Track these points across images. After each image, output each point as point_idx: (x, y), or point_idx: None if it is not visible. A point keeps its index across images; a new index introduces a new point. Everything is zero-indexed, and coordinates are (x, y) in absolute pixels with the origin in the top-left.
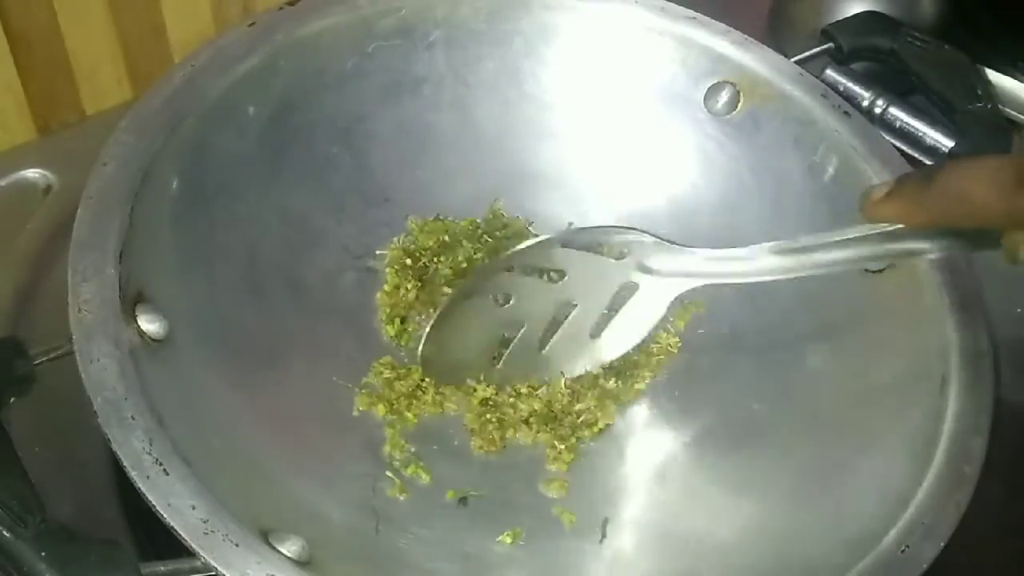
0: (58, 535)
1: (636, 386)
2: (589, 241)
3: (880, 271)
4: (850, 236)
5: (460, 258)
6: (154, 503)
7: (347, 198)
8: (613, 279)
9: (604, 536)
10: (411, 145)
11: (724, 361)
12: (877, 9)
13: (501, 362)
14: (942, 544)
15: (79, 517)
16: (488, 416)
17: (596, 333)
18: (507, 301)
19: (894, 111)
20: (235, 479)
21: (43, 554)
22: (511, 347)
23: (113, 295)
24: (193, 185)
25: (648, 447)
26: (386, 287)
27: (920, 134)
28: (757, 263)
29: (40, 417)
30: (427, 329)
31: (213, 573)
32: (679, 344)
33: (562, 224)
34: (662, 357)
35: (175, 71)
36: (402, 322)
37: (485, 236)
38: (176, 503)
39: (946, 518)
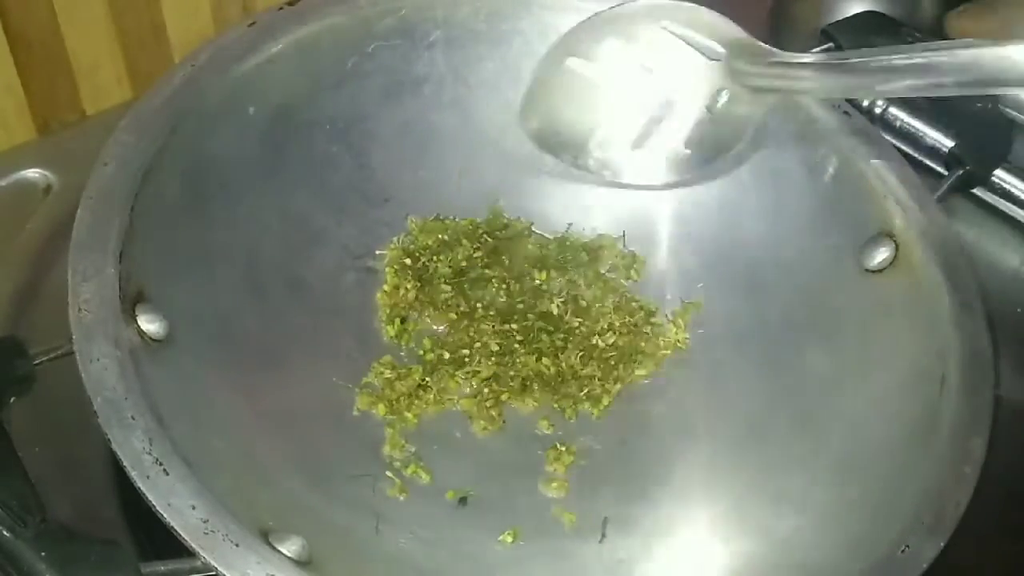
0: (58, 535)
1: (638, 371)
2: (679, 20)
3: (880, 271)
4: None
5: (460, 258)
6: (154, 503)
7: (347, 198)
8: (706, 80)
9: (604, 536)
10: (411, 145)
11: (724, 361)
12: (877, 9)
13: (594, 148)
14: (942, 544)
15: (79, 517)
16: (486, 393)
17: (690, 142)
18: (603, 80)
19: (894, 111)
20: (235, 479)
21: (43, 554)
22: (608, 136)
23: (113, 295)
24: (193, 185)
25: (647, 447)
26: (386, 287)
27: (920, 134)
28: (850, 77)
29: (40, 417)
30: (529, 86)
31: (213, 573)
32: (687, 341)
33: (562, 225)
34: (668, 352)
35: (175, 71)
36: (402, 322)
37: (485, 236)
38: (176, 503)
39: (946, 518)
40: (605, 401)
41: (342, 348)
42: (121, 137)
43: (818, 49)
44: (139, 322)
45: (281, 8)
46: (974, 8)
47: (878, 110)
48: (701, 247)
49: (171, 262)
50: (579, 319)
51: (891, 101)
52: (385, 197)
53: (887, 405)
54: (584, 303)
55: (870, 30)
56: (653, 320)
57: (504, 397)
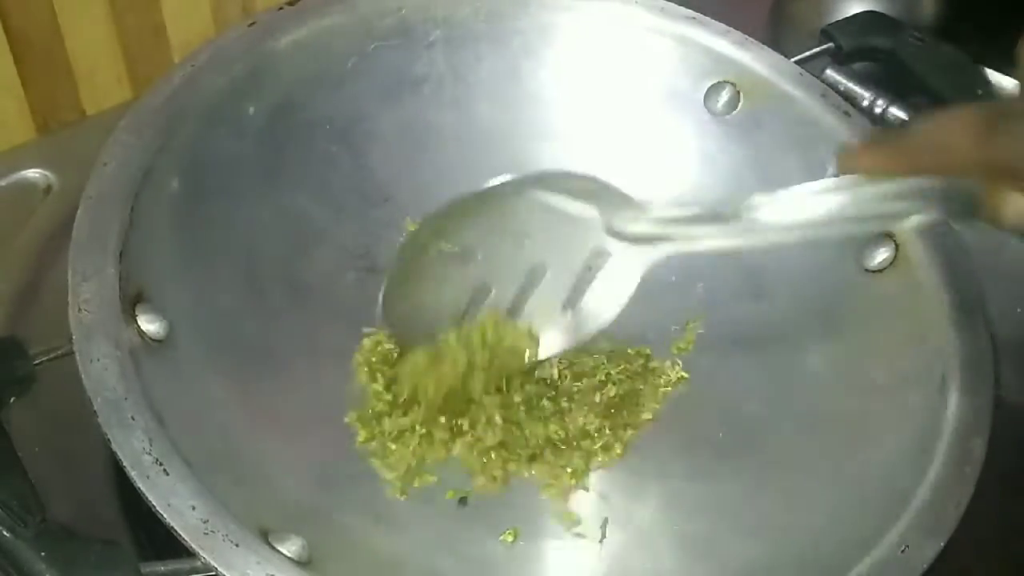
0: (58, 535)
1: (643, 415)
2: (550, 188)
3: (880, 271)
4: (830, 186)
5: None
6: (154, 503)
7: (347, 198)
8: (584, 242)
9: (604, 536)
10: (411, 145)
11: (724, 361)
12: (877, 9)
13: (470, 327)
14: (942, 544)
15: (79, 517)
16: (492, 457)
17: (571, 303)
18: (471, 257)
19: (894, 111)
20: (235, 479)
21: (43, 554)
22: (479, 311)
23: (113, 295)
24: (193, 185)
25: (647, 447)
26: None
27: None
28: (732, 225)
29: (40, 417)
30: (385, 280)
31: (213, 573)
32: (686, 378)
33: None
34: (668, 389)
35: (175, 71)
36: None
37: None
38: (176, 503)
39: (946, 518)
40: (617, 450)
41: (342, 348)
42: (121, 137)
43: (818, 49)
44: (139, 322)
45: (281, 8)
46: None
47: (878, 110)
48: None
49: (171, 262)
50: (577, 382)
51: (892, 100)
52: (385, 197)
53: (887, 405)
54: (579, 361)
55: (870, 30)
56: (651, 364)
57: (511, 467)
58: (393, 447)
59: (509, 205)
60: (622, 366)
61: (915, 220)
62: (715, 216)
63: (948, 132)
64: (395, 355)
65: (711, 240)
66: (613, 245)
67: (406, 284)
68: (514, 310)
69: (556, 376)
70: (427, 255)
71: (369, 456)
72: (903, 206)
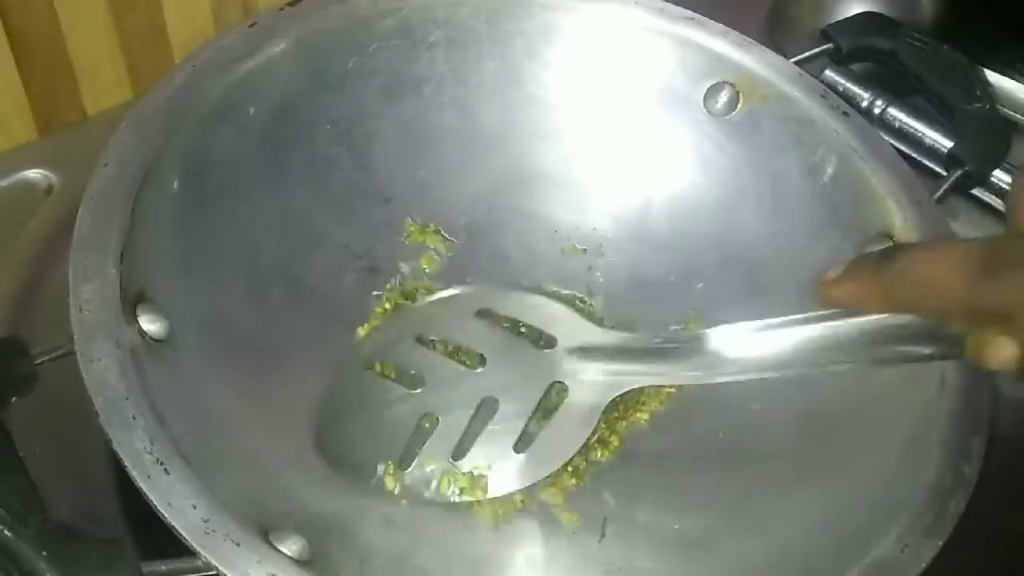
0: (59, 534)
1: (639, 414)
2: (507, 313)
3: None
4: (798, 321)
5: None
6: (155, 503)
7: (348, 198)
8: (540, 375)
9: (604, 536)
10: (412, 145)
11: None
12: (876, 10)
13: (412, 467)
14: (941, 544)
15: (80, 516)
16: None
17: (523, 446)
18: (418, 383)
19: (893, 111)
20: (236, 478)
21: (44, 553)
22: (423, 451)
23: (114, 295)
24: (194, 185)
25: (648, 446)
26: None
27: (919, 134)
28: (701, 358)
29: (41, 417)
30: (320, 406)
31: (214, 572)
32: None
33: (562, 225)
34: (672, 390)
35: (176, 71)
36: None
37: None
38: (177, 502)
39: (945, 518)
40: (615, 442)
41: (342, 348)
42: (122, 137)
43: (817, 50)
44: (140, 322)
45: (282, 8)
46: None
47: (877, 111)
48: (700, 247)
49: (172, 262)
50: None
51: (891, 101)
52: (385, 197)
53: (886, 404)
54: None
55: (869, 31)
56: None
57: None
58: None
59: (467, 323)
60: None
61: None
62: (677, 350)
63: (937, 268)
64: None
65: (672, 377)
66: (571, 378)
67: (345, 409)
68: (460, 451)
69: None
70: (370, 375)
71: None
72: (879, 348)
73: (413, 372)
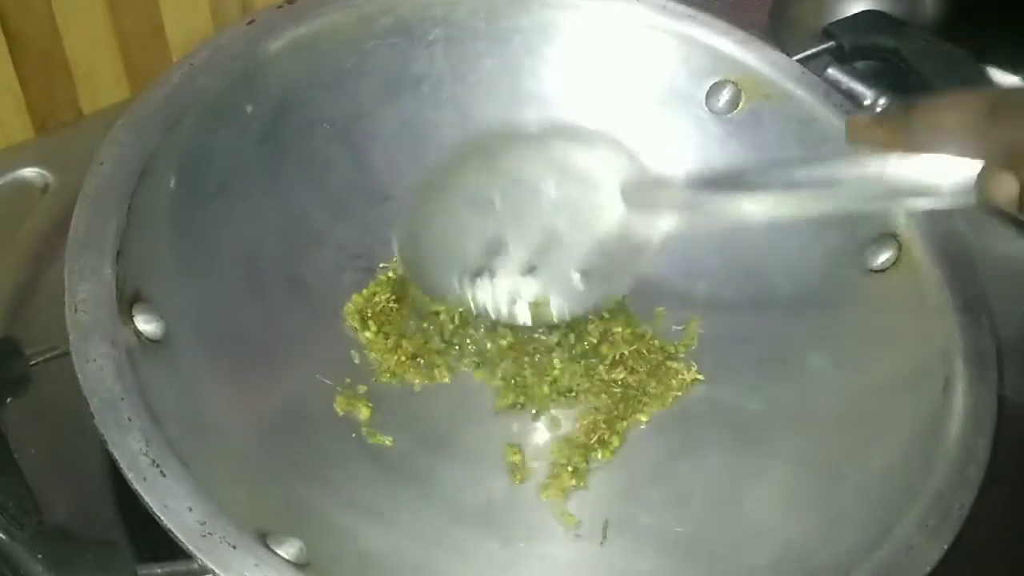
0: (54, 537)
1: (640, 415)
2: (572, 141)
3: (883, 271)
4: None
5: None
6: (151, 505)
7: (346, 197)
8: (600, 208)
9: (605, 538)
10: (411, 143)
11: (726, 361)
12: (879, 8)
13: (481, 286)
14: (946, 545)
15: (75, 518)
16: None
17: (585, 272)
18: (489, 206)
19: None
20: (233, 481)
21: (39, 556)
22: (495, 271)
23: (110, 295)
24: (191, 184)
25: (648, 448)
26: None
27: None
28: (747, 196)
29: (37, 418)
30: (402, 215)
31: (210, 575)
32: (700, 380)
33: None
34: (679, 393)
35: (173, 70)
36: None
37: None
38: (173, 504)
39: (950, 519)
40: (615, 443)
41: (340, 348)
42: (118, 136)
43: (820, 48)
44: (136, 322)
45: (280, 7)
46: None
47: (880, 109)
48: (702, 247)
49: (168, 262)
50: (595, 336)
51: (893, 99)
52: (385, 196)
53: (890, 406)
54: (606, 316)
55: (872, 28)
56: (669, 364)
57: (527, 372)
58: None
59: (528, 155)
60: (643, 352)
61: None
62: (733, 184)
63: (951, 114)
64: (392, 307)
65: (726, 213)
66: (630, 214)
67: (423, 222)
68: (529, 270)
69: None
70: (445, 193)
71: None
72: (902, 186)
73: (483, 192)
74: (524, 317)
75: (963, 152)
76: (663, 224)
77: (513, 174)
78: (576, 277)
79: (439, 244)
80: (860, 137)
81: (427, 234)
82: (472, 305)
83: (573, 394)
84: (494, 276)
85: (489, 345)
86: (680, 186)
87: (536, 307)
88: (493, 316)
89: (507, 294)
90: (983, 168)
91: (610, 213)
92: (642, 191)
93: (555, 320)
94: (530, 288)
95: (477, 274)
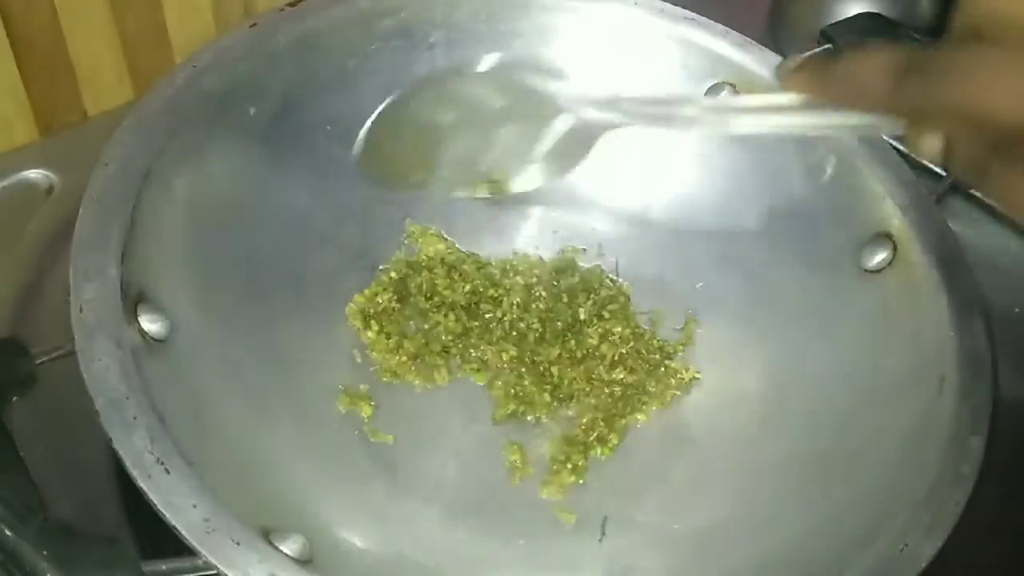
0: (60, 534)
1: (639, 415)
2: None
3: (879, 271)
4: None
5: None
6: (155, 502)
7: (348, 198)
8: (549, 107)
9: (604, 535)
10: None
11: (723, 361)
12: (876, 10)
13: (440, 167)
14: (940, 543)
15: (81, 516)
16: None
17: (534, 157)
18: (446, 111)
19: None
20: (236, 478)
21: (45, 552)
22: (450, 151)
23: (115, 295)
24: (194, 185)
25: (648, 446)
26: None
27: None
28: (685, 111)
29: (42, 417)
30: (365, 127)
31: (214, 572)
32: (699, 378)
33: (562, 225)
34: (677, 392)
35: (176, 72)
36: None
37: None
38: (177, 502)
39: (944, 517)
40: (615, 440)
41: (342, 348)
42: (123, 138)
43: (817, 50)
44: (141, 322)
45: (282, 9)
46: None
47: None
48: (700, 247)
49: (172, 262)
50: (595, 338)
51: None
52: (385, 197)
53: (886, 404)
54: (607, 316)
55: (869, 31)
56: (668, 363)
57: (527, 381)
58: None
59: (479, 84)
60: (641, 351)
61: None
62: (675, 101)
63: (865, 71)
64: (394, 308)
65: (661, 122)
66: (578, 109)
67: (379, 145)
68: (480, 153)
69: (583, 318)
70: (399, 121)
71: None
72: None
73: (436, 114)
74: (482, 194)
75: (876, 109)
76: (611, 119)
77: (465, 100)
78: (528, 157)
79: (395, 154)
80: (786, 82)
81: (382, 151)
82: (435, 187)
83: (574, 399)
84: (451, 160)
85: (490, 355)
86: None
87: (493, 184)
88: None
89: (464, 176)
90: (907, 122)
91: (560, 111)
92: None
93: (511, 192)
94: (485, 172)
95: (435, 164)
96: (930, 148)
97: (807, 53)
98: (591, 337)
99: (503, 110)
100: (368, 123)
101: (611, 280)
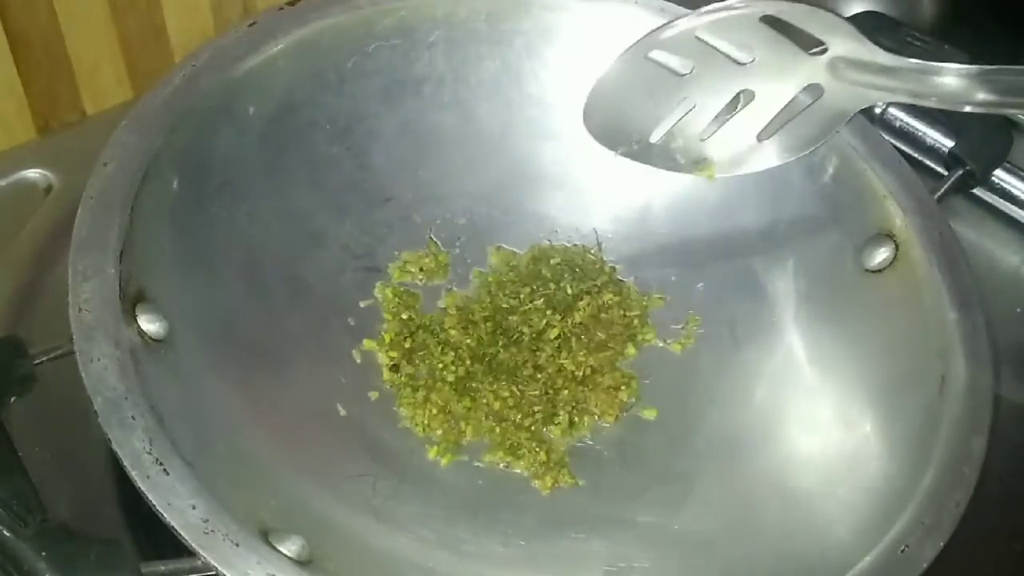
0: (58, 534)
1: (629, 350)
2: (787, 18)
3: (880, 271)
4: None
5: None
6: (154, 503)
7: (348, 198)
8: (800, 74)
9: (604, 535)
10: (411, 145)
11: (724, 360)
12: (877, 9)
13: (658, 137)
14: (941, 544)
15: (79, 516)
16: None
17: (765, 135)
18: (687, 70)
19: (894, 111)
20: (235, 479)
21: (43, 553)
22: (673, 126)
23: (113, 295)
24: (193, 185)
25: (647, 446)
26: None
27: (920, 134)
28: (952, 85)
29: (40, 417)
30: (596, 80)
31: (213, 573)
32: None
33: (561, 226)
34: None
35: (175, 71)
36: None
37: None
38: (176, 503)
39: (945, 518)
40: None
41: (342, 348)
42: (121, 137)
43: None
44: (139, 322)
45: (281, 8)
46: None
47: (878, 110)
48: (700, 247)
49: (171, 262)
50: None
51: (891, 101)
52: (385, 197)
53: (887, 405)
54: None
55: (870, 30)
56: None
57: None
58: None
59: (735, 20)
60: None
61: None
62: (930, 72)
63: None
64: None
65: (929, 99)
66: (829, 84)
67: (613, 90)
68: (707, 132)
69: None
70: (637, 62)
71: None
72: None
73: (680, 58)
74: (708, 168)
75: None
76: (863, 98)
77: (715, 40)
78: (756, 141)
79: (623, 110)
80: None
81: (613, 101)
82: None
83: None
84: (670, 134)
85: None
86: (895, 71)
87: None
88: (681, 160)
89: (682, 151)
90: None
91: (811, 81)
92: (852, 66)
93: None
94: (707, 150)
95: (652, 134)
96: None
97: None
98: (580, 311)
99: (750, 67)
100: (603, 71)
101: (592, 255)
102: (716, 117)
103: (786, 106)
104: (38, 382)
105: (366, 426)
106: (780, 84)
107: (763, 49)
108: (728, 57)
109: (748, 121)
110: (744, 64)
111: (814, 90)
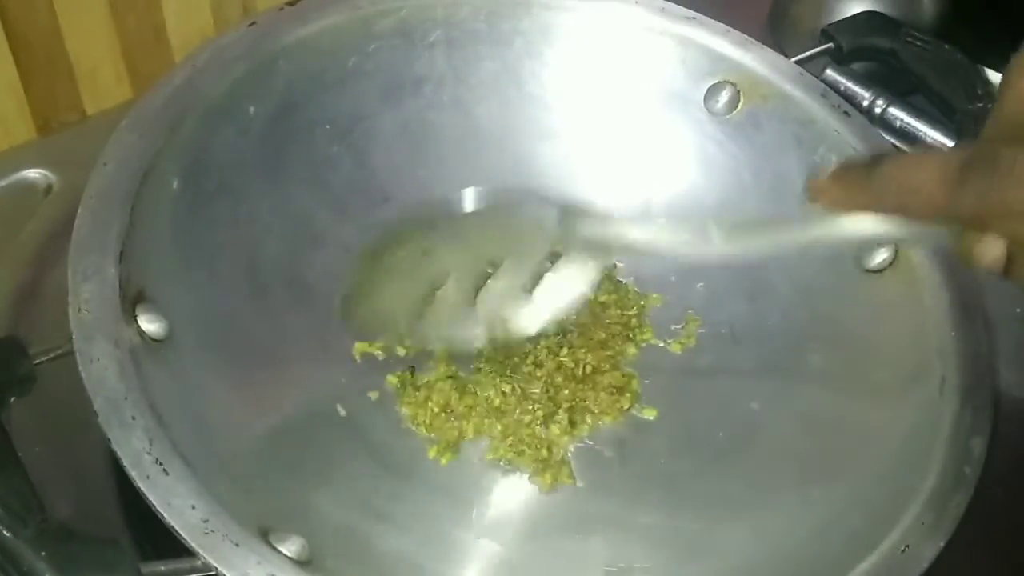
0: (58, 534)
1: (630, 349)
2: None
3: (880, 271)
4: (796, 217)
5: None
6: (154, 503)
7: (348, 198)
8: (540, 244)
9: (604, 535)
10: (411, 145)
11: (724, 361)
12: (877, 9)
13: (426, 314)
14: (941, 544)
15: (79, 517)
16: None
17: (530, 288)
18: (430, 256)
19: (894, 111)
20: (235, 479)
21: (43, 553)
22: (436, 297)
23: (113, 295)
24: (194, 185)
25: (646, 446)
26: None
27: (920, 134)
28: (699, 236)
29: (40, 417)
30: (341, 297)
31: (213, 573)
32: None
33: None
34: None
35: (176, 71)
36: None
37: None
38: (176, 503)
39: (946, 518)
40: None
41: (342, 348)
42: (121, 137)
43: (818, 49)
44: (139, 322)
45: (281, 8)
46: None
47: (878, 110)
48: None
49: (171, 262)
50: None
51: (891, 101)
52: (385, 197)
53: (887, 405)
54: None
55: (870, 30)
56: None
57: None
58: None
59: (470, 216)
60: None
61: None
62: (673, 229)
63: (916, 175)
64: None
65: (660, 248)
66: (568, 249)
67: (363, 292)
68: (470, 296)
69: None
70: (383, 263)
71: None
72: (873, 232)
73: (424, 249)
74: (478, 343)
75: (930, 217)
76: (603, 259)
77: (454, 233)
78: (520, 298)
79: (378, 305)
80: (819, 199)
81: (366, 300)
82: (421, 340)
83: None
84: (436, 305)
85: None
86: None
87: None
88: (442, 345)
89: (458, 322)
90: (959, 232)
91: (551, 249)
92: (583, 228)
93: (511, 336)
94: (480, 314)
95: (417, 312)
96: (992, 255)
97: (811, 51)
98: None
99: (494, 243)
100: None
101: None
102: (477, 283)
103: (538, 267)
104: (38, 382)
105: (366, 426)
106: (526, 252)
107: (498, 225)
108: (471, 238)
109: (509, 280)
110: (486, 241)
111: (556, 256)
